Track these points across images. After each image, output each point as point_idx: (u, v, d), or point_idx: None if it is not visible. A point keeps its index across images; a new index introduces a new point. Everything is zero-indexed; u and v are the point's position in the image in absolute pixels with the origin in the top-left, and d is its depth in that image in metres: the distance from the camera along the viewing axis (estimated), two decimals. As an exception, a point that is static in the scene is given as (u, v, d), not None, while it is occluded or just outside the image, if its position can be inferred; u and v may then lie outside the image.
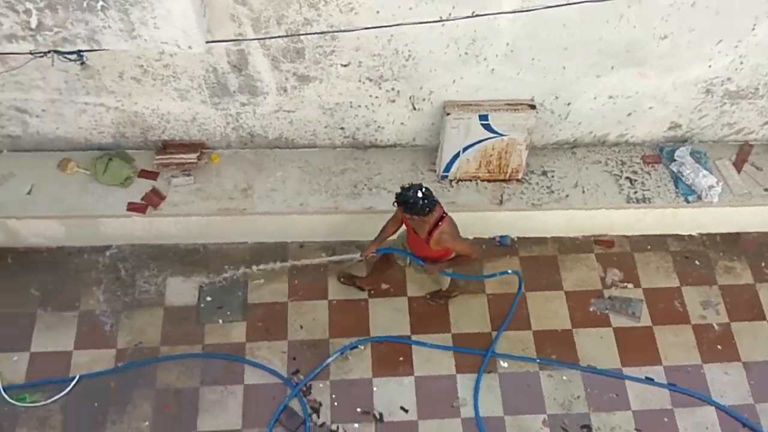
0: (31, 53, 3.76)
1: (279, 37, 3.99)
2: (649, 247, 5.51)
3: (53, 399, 4.66)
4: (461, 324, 5.09)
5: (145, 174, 4.90)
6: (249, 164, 5.03)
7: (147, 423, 4.64)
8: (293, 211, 4.88)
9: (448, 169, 4.95)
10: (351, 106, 4.67)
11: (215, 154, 5.01)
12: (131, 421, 4.64)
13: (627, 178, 5.17)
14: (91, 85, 4.31)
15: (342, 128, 4.90)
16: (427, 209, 3.81)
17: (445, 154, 4.85)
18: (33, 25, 3.33)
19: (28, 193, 4.76)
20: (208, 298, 5.11)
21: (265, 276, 5.18)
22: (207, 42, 3.62)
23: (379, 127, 4.90)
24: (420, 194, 3.79)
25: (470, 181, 5.07)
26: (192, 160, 4.89)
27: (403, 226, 4.35)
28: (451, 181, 5.05)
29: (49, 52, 3.68)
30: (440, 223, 3.98)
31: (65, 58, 3.75)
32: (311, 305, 5.13)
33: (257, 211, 4.88)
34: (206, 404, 4.74)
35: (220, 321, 5.03)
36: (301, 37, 4.03)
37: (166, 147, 4.92)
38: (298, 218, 4.93)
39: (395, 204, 3.88)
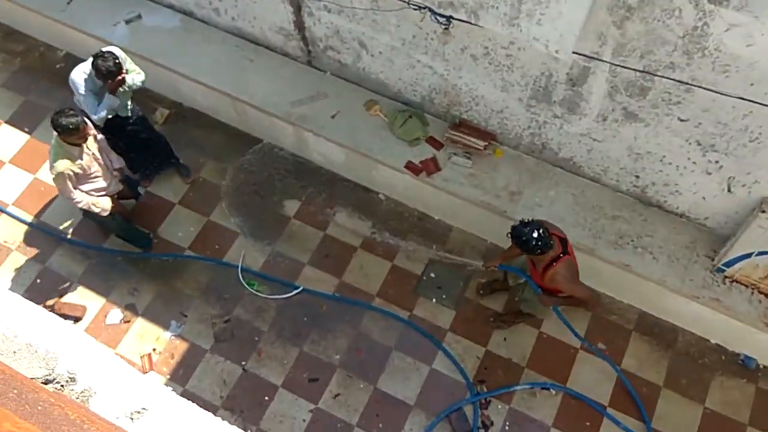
0: (407, 2, 4.04)
1: (635, 70, 3.84)
2: None
3: (274, 297, 5.14)
4: (665, 423, 4.68)
5: (432, 141, 5.09)
6: (527, 171, 5.00)
7: (338, 356, 4.93)
8: (550, 233, 4.78)
9: (729, 264, 4.50)
10: (661, 161, 4.40)
11: (500, 149, 5.05)
12: (326, 348, 4.97)
13: None
14: (432, 48, 4.53)
15: (637, 176, 4.65)
16: (539, 251, 3.72)
17: (735, 249, 4.39)
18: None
19: (332, 116, 5.19)
20: (432, 275, 5.24)
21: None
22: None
23: (676, 191, 4.57)
24: (535, 234, 3.66)
25: (746, 287, 4.57)
26: (478, 146, 4.97)
27: None
28: (725, 277, 4.59)
29: (425, 7, 3.92)
30: (555, 264, 3.79)
31: (435, 18, 3.96)
32: (522, 327, 5.04)
33: (516, 217, 4.83)
34: (392, 367, 4.91)
35: (434, 300, 5.15)
36: (655, 78, 3.85)
37: (461, 125, 5.05)
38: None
39: (508, 235, 3.77)
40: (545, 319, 4.96)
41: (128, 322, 5.06)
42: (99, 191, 4.58)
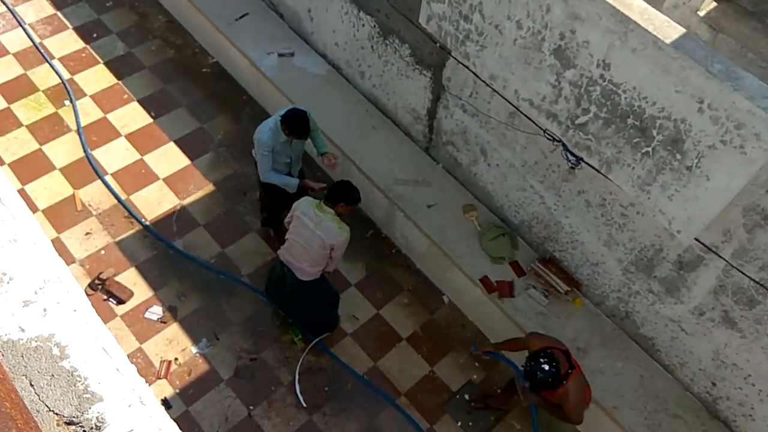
0: (544, 130, 4.04)
1: (751, 279, 3.63)
2: None
3: (307, 354, 5.01)
4: None
5: (515, 266, 4.97)
6: (600, 333, 4.75)
7: (343, 441, 4.71)
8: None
9: None
10: (744, 378, 4.06)
11: (581, 300, 4.84)
12: (335, 426, 4.78)
13: None
14: (550, 179, 4.48)
15: (713, 383, 4.31)
16: (546, 386, 3.65)
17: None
18: (577, 122, 3.53)
19: (429, 206, 5.19)
20: (466, 396, 5.00)
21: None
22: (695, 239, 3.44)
23: (750, 415, 4.18)
24: (547, 368, 3.60)
25: None
26: (560, 289, 4.80)
27: None
28: None
29: (559, 141, 3.90)
30: (566, 381, 3.68)
31: (566, 154, 3.93)
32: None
33: (572, 375, 4.57)
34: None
35: (459, 423, 4.89)
36: (771, 294, 3.61)
37: (550, 261, 4.91)
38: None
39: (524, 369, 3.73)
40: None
41: (164, 323, 5.06)
42: None
